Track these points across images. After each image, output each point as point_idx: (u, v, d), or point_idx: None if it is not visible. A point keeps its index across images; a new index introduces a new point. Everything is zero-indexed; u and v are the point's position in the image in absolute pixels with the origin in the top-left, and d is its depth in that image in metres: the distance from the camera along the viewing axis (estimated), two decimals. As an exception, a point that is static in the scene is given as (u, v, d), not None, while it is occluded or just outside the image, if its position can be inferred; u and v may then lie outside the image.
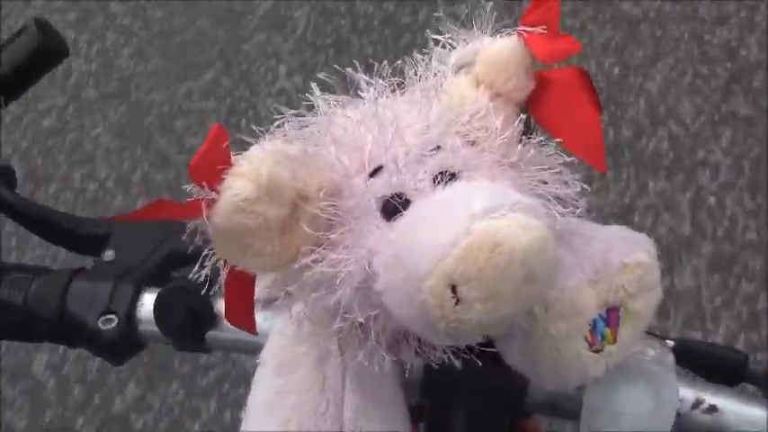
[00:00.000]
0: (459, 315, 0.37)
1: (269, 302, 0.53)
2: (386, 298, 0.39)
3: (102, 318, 0.54)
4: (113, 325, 0.54)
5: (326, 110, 0.44)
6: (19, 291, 0.55)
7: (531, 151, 0.43)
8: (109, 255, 0.58)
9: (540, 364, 0.46)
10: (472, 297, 0.36)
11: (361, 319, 0.41)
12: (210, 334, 0.55)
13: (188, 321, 0.53)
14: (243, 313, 0.45)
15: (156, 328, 0.54)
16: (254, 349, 0.51)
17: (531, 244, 0.37)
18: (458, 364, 0.44)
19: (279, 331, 0.51)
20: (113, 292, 0.55)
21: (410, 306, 0.38)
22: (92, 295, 0.55)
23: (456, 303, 0.37)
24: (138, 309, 0.55)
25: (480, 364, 0.44)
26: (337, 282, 0.40)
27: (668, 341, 0.58)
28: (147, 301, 0.55)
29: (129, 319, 0.54)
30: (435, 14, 0.44)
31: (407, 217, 0.39)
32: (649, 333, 0.56)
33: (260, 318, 0.53)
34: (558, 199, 0.43)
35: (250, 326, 0.46)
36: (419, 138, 0.42)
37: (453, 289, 0.36)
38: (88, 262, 0.59)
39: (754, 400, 0.53)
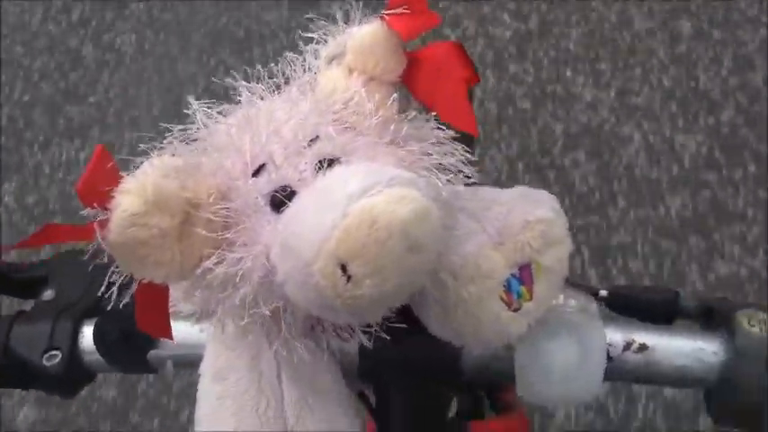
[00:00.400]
0: (353, 292, 0.38)
1: (204, 315, 0.55)
2: (286, 287, 0.41)
3: (46, 355, 0.55)
4: (57, 360, 0.55)
5: (207, 120, 0.46)
6: (-37, 343, 0.56)
7: (407, 127, 0.44)
8: (48, 294, 0.59)
9: (460, 330, 0.47)
10: (360, 273, 0.38)
11: (267, 312, 0.43)
12: (152, 353, 0.56)
13: (126, 344, 0.55)
14: (156, 321, 0.47)
15: (100, 357, 0.56)
16: (197, 363, 0.53)
17: (409, 215, 0.38)
18: (367, 342, 0.45)
19: (213, 340, 0.52)
20: (54, 329, 0.56)
21: (306, 291, 0.39)
22: (33, 335, 0.56)
23: (348, 281, 0.38)
24: (80, 341, 0.57)
25: (389, 339, 0.46)
26: (238, 279, 0.42)
27: (601, 291, 0.60)
28: (88, 332, 0.57)
29: (72, 351, 0.56)
30: (306, 16, 0.46)
31: (292, 207, 0.41)
32: (581, 286, 0.57)
33: (196, 330, 0.55)
34: (444, 169, 0.45)
35: (165, 333, 0.48)
36: (295, 131, 0.43)
37: (344, 268, 0.38)
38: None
39: (684, 332, 0.55)
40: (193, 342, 0.55)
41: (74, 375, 0.56)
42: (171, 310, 0.48)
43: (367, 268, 0.38)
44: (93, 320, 0.57)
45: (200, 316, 0.55)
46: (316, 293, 0.39)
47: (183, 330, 0.55)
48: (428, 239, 0.39)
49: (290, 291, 0.41)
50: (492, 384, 0.87)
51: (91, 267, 0.59)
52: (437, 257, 0.42)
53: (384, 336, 0.46)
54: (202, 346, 0.53)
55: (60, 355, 0.55)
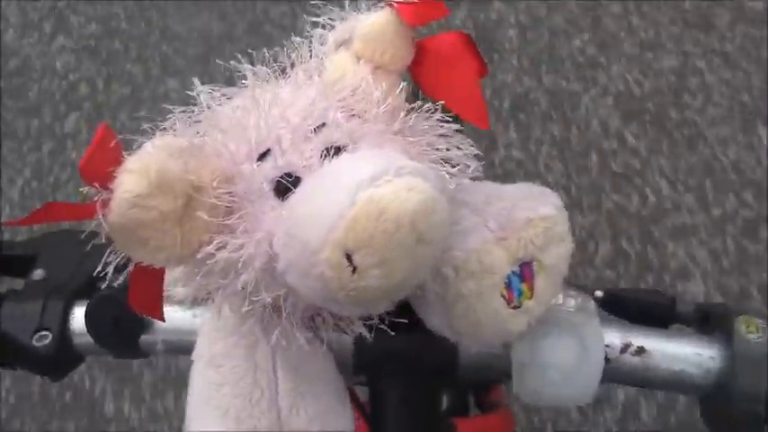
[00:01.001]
0: (357, 283, 0.38)
1: (197, 300, 0.54)
2: (288, 276, 0.40)
3: (36, 335, 0.54)
4: (48, 341, 0.54)
5: (211, 103, 0.45)
6: (-49, 319, 0.55)
7: (414, 118, 0.44)
8: (38, 274, 0.58)
9: (458, 326, 0.46)
10: (366, 264, 0.37)
11: (269, 299, 0.42)
12: (144, 338, 0.56)
13: (118, 328, 0.54)
14: (149, 301, 0.46)
15: (90, 340, 0.55)
16: (189, 348, 0.52)
17: (418, 207, 0.37)
18: (367, 334, 0.45)
19: (208, 326, 0.51)
20: (44, 309, 0.55)
21: (309, 280, 0.39)
22: (23, 315, 0.55)
23: (353, 272, 0.37)
24: (71, 322, 0.56)
25: (392, 333, 0.45)
26: (240, 266, 0.41)
27: (596, 292, 0.59)
28: (79, 314, 0.56)
29: (63, 332, 0.55)
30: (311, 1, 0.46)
31: (297, 194, 0.40)
32: (576, 286, 0.57)
33: (189, 315, 0.54)
34: (450, 162, 0.44)
35: (157, 314, 0.47)
36: (302, 115, 0.43)
37: (349, 258, 0.37)
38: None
39: (682, 336, 0.54)
40: (185, 328, 0.54)
41: (63, 357, 0.55)
42: (164, 294, 0.47)
43: (373, 259, 0.37)
44: (84, 301, 0.56)
45: (193, 301, 0.54)
46: (320, 283, 0.38)
47: (175, 315, 0.54)
48: (436, 232, 0.39)
49: (293, 280, 0.40)
50: (479, 383, 0.87)
51: (81, 247, 0.58)
52: (442, 250, 0.41)
53: (382, 329, 0.45)
54: (194, 332, 0.53)
55: (51, 336, 0.54)
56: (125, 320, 0.54)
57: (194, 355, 0.51)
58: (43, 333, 0.55)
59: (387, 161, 0.39)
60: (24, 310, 0.55)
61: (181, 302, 0.54)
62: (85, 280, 0.57)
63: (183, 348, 0.54)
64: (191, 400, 0.50)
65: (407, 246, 0.38)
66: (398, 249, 0.38)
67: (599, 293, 0.59)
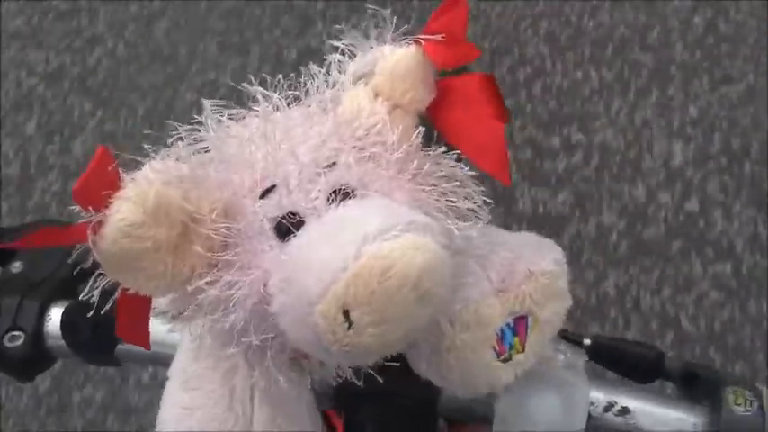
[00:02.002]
0: (352, 339, 0.36)
1: (178, 316, 0.53)
2: (280, 320, 0.39)
3: (8, 335, 0.53)
4: (19, 342, 0.52)
5: (218, 127, 0.43)
6: None
7: (429, 164, 0.42)
8: (16, 266, 0.56)
9: (448, 374, 0.45)
10: (364, 321, 0.36)
11: (256, 342, 0.40)
12: (120, 347, 0.54)
13: (96, 336, 0.52)
14: (136, 330, 0.44)
15: (64, 343, 0.53)
16: (166, 361, 0.51)
17: (424, 266, 0.36)
18: (359, 382, 0.44)
19: (186, 345, 0.50)
20: (20, 307, 0.53)
21: (303, 329, 0.37)
22: None
23: (348, 327, 0.36)
24: (46, 324, 0.54)
25: (381, 381, 0.44)
26: (231, 304, 0.40)
27: (584, 340, 0.58)
28: (55, 315, 0.54)
29: (36, 335, 0.53)
30: (336, 26, 0.43)
31: (300, 238, 0.38)
32: (565, 332, 0.56)
33: (166, 329, 0.53)
34: (459, 212, 0.43)
35: (143, 342, 0.45)
36: (313, 154, 0.41)
37: (345, 313, 0.36)
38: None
39: (667, 399, 0.54)
40: (164, 340, 0.53)
41: (35, 359, 0.53)
42: None
43: (372, 317, 0.36)
44: (61, 302, 0.54)
45: (173, 316, 0.52)
46: (313, 334, 0.37)
47: (154, 327, 0.52)
48: (438, 291, 0.38)
49: (285, 324, 0.39)
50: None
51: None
52: (440, 310, 0.40)
53: (370, 373, 0.44)
54: (172, 346, 0.51)
55: (23, 337, 0.53)
56: (102, 329, 0.52)
57: (170, 372, 0.50)
58: (16, 333, 0.53)
59: (395, 214, 0.37)
60: None
61: (161, 314, 0.52)
62: (64, 279, 0.55)
63: (159, 360, 0.52)
64: (162, 420, 0.48)
65: (407, 305, 0.36)
66: (398, 308, 0.36)
67: (587, 341, 0.58)
